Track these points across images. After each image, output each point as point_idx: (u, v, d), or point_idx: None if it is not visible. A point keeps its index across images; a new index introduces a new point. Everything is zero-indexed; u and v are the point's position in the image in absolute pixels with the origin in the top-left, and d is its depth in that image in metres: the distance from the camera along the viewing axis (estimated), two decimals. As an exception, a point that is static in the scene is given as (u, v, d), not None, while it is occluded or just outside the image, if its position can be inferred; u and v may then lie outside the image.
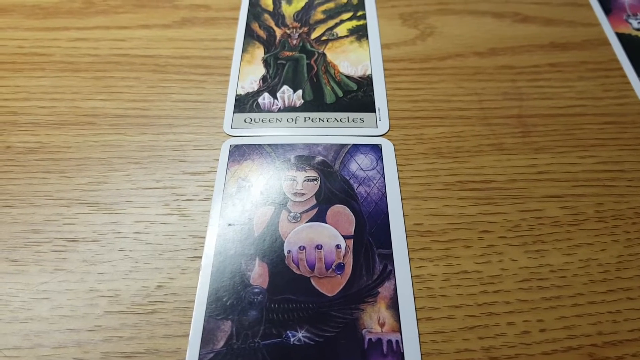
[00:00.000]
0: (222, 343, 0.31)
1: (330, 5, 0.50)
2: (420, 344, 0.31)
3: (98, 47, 0.47)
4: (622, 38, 0.48)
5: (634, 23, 0.49)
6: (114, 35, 0.48)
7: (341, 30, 0.48)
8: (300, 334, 0.31)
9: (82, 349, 0.31)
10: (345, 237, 0.35)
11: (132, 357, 0.30)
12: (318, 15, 0.50)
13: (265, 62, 0.46)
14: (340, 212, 0.37)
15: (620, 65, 0.46)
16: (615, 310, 0.32)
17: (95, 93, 0.44)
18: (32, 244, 0.35)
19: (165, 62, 0.46)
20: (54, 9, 0.50)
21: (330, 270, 0.34)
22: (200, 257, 0.34)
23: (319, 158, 0.39)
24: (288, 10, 0.50)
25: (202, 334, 0.31)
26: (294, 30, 0.48)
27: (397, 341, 0.31)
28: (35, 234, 0.35)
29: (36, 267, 0.34)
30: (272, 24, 0.49)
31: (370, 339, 0.31)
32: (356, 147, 0.40)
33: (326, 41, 0.47)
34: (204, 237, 0.35)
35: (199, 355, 0.30)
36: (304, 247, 0.35)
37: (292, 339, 0.31)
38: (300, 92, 0.44)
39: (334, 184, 0.38)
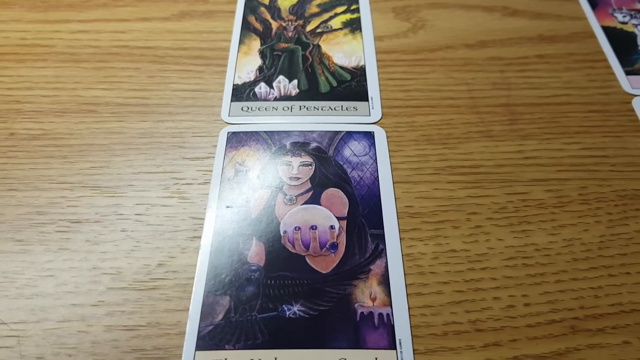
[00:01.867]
0: (220, 316, 0.32)
1: (325, -1, 0.52)
2: (410, 317, 0.32)
3: (99, 39, 0.48)
4: (608, 31, 0.50)
5: (619, 17, 0.51)
6: (114, 28, 0.49)
7: (335, 23, 0.50)
8: (296, 308, 0.32)
9: (86, 323, 0.32)
10: (339, 219, 0.37)
11: (135, 330, 0.32)
12: (313, 8, 0.51)
13: (262, 54, 0.47)
14: (334, 195, 0.38)
15: (605, 57, 0.48)
16: (597, 286, 0.34)
17: (96, 83, 0.45)
18: (36, 225, 0.36)
19: (164, 53, 0.47)
20: (55, 2, 0.51)
21: (325, 249, 0.35)
22: (200, 237, 0.36)
23: (314, 144, 0.41)
24: (284, 4, 0.52)
25: (202, 308, 0.32)
26: (290, 23, 0.50)
27: (387, 314, 0.32)
28: (40, 215, 0.37)
29: (41, 246, 0.35)
30: (268, 16, 0.50)
31: (362, 312, 0.32)
32: (350, 134, 0.41)
33: (321, 33, 0.49)
34: (203, 219, 0.37)
35: (199, 327, 0.32)
36: (299, 228, 0.36)
37: (287, 313, 0.32)
38: (295, 82, 0.45)
39: (328, 168, 0.39)
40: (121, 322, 0.32)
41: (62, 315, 0.32)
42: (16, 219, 0.36)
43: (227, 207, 0.37)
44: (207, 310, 0.32)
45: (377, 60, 0.47)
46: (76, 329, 0.32)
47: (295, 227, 0.36)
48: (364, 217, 0.37)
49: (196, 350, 0.31)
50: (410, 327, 0.32)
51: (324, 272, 0.34)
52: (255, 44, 0.48)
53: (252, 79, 0.45)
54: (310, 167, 0.39)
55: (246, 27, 0.49)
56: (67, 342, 0.31)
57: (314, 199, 0.38)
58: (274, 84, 0.45)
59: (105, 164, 0.39)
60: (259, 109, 0.43)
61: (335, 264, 0.35)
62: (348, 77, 0.45)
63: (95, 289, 0.33)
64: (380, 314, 0.32)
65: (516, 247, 0.35)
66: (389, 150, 0.40)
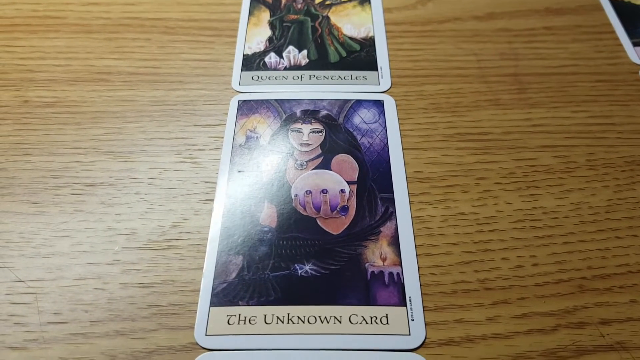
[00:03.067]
0: (234, 275, 0.33)
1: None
2: (419, 276, 0.33)
3: (109, 11, 0.49)
4: (615, 3, 0.50)
5: (627, -11, 0.51)
6: (125, 0, 0.49)
7: (344, -5, 0.50)
8: (307, 267, 0.33)
9: (102, 280, 0.33)
10: (349, 183, 0.37)
11: (150, 287, 0.32)
12: (322, -19, 0.51)
13: (271, 25, 0.48)
14: (345, 160, 0.38)
15: (612, 29, 0.48)
16: (604, 247, 0.34)
17: (108, 53, 0.45)
18: (51, 188, 0.37)
19: (174, 24, 0.48)
20: (67, -25, 0.52)
21: (335, 212, 0.36)
22: (212, 200, 0.36)
23: (324, 112, 0.41)
24: (293, -24, 0.52)
25: (216, 267, 0.33)
26: (299, -5, 0.50)
27: (397, 273, 0.33)
28: (55, 179, 0.37)
29: (56, 208, 0.36)
30: (277, -11, 0.51)
31: (372, 271, 0.33)
32: (359, 103, 0.42)
33: (330, 5, 0.49)
34: (215, 183, 0.37)
35: (213, 285, 0.32)
36: (310, 192, 0.37)
37: (299, 271, 0.33)
38: (305, 52, 0.45)
39: (338, 135, 0.40)
40: (136, 279, 0.33)
41: (78, 273, 0.33)
42: (31, 182, 0.37)
43: (239, 171, 0.38)
44: (220, 269, 0.33)
45: (386, 32, 0.47)
46: (92, 286, 0.32)
47: (307, 191, 0.37)
48: (373, 181, 0.37)
49: (210, 306, 0.31)
50: (420, 285, 0.33)
51: (334, 233, 0.35)
52: (265, 15, 0.48)
53: (262, 49, 0.46)
54: (320, 134, 0.40)
55: (256, -1, 0.50)
56: (84, 299, 0.32)
57: (325, 165, 0.38)
58: (284, 54, 0.45)
59: (118, 130, 0.40)
60: (269, 78, 0.44)
61: (345, 226, 0.35)
62: (357, 47, 0.46)
63: (110, 248, 0.34)
64: (391, 273, 0.33)
65: (524, 210, 0.36)
66: (398, 118, 0.41)
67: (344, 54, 0.45)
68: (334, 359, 0.29)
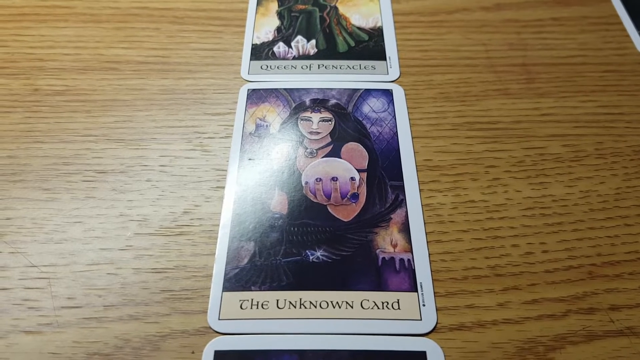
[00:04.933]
0: (246, 260, 0.33)
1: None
2: (430, 262, 0.33)
3: (118, 1, 0.49)
4: (623, -5, 0.50)
5: (634, -19, 0.51)
6: (134, -11, 0.50)
7: (352, -15, 0.50)
8: (319, 253, 0.33)
9: (115, 266, 0.33)
10: (359, 171, 0.37)
11: (162, 272, 0.33)
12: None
13: (279, 15, 0.48)
14: (354, 148, 0.39)
15: (620, 20, 0.48)
16: (614, 235, 0.35)
17: (117, 42, 0.45)
18: (63, 175, 0.37)
19: (183, 14, 0.48)
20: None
21: (346, 199, 0.36)
22: (223, 187, 0.36)
23: (333, 101, 0.41)
24: (301, -33, 0.52)
25: (228, 252, 0.33)
26: (307, -15, 0.50)
27: (408, 260, 0.33)
28: (66, 166, 0.37)
29: (68, 195, 0.36)
30: (285, -21, 0.51)
31: (384, 258, 0.33)
32: (368, 92, 0.42)
33: (338, -5, 0.49)
34: (226, 170, 0.37)
35: (225, 270, 0.32)
36: (320, 179, 0.37)
37: (311, 257, 0.33)
38: (313, 41, 0.46)
39: (348, 124, 0.40)
40: (149, 265, 0.33)
41: (91, 258, 0.33)
42: (43, 169, 0.37)
43: (249, 159, 0.38)
44: (232, 255, 0.33)
45: (394, 22, 0.47)
46: (105, 271, 0.33)
47: (317, 179, 0.37)
48: (383, 169, 0.37)
49: (223, 291, 0.32)
50: (431, 271, 0.33)
51: (345, 220, 0.35)
52: (273, 5, 0.49)
53: (271, 39, 0.46)
54: (329, 122, 0.40)
55: (264, -11, 0.50)
56: (97, 284, 0.32)
57: (334, 153, 0.38)
58: (292, 44, 0.45)
59: (129, 118, 0.40)
60: (277, 67, 0.44)
61: (356, 213, 0.35)
62: (365, 37, 0.46)
63: (122, 234, 0.34)
64: (402, 259, 0.33)
65: (534, 198, 0.36)
66: (407, 107, 0.41)
67: (352, 43, 0.45)
68: (347, 343, 0.30)
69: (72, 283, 0.32)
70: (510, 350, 0.30)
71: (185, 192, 0.36)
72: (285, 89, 0.42)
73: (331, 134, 0.39)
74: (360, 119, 0.40)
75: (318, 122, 0.40)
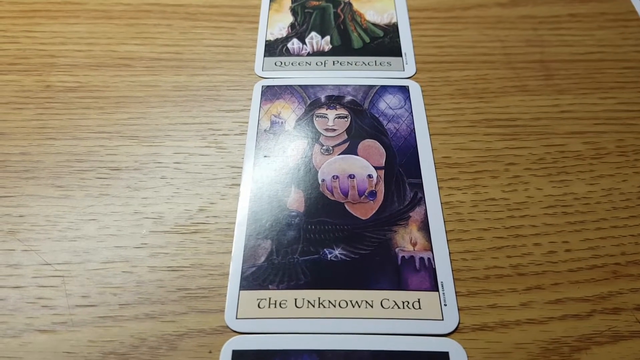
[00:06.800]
0: (263, 259, 0.32)
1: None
2: (451, 261, 0.32)
3: (130, -3, 0.48)
4: (641, -9, 0.49)
5: (652, -23, 0.51)
6: (145, -14, 0.49)
7: (366, -19, 0.50)
8: (337, 252, 0.33)
9: (130, 264, 0.32)
10: (377, 168, 0.37)
11: (178, 271, 0.32)
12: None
13: (293, 11, 0.47)
14: (371, 145, 0.38)
15: (637, 16, 0.47)
16: (637, 233, 0.34)
17: (129, 38, 0.45)
18: (76, 172, 0.36)
19: (195, 10, 0.47)
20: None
21: (363, 197, 0.35)
22: (239, 185, 0.36)
23: (349, 98, 0.41)
24: (314, -37, 0.51)
25: (244, 251, 0.33)
26: (320, -19, 0.50)
27: (429, 258, 0.32)
28: (79, 163, 0.37)
29: (82, 192, 0.35)
30: (298, -25, 0.50)
31: (403, 256, 0.32)
32: (384, 88, 0.41)
33: (352, -8, 0.49)
34: (241, 167, 0.37)
35: (242, 268, 0.32)
36: (337, 177, 0.36)
37: (329, 256, 0.32)
38: (328, 38, 0.45)
39: (364, 120, 0.39)
40: (165, 263, 0.32)
41: (106, 256, 0.33)
42: (56, 166, 0.37)
43: (265, 156, 0.37)
44: (249, 253, 0.33)
45: (410, 18, 0.47)
46: (120, 269, 0.32)
47: (334, 176, 0.36)
48: (401, 167, 0.37)
49: (240, 289, 0.31)
50: (452, 270, 0.32)
51: (363, 218, 0.34)
52: (286, 1, 0.48)
53: (284, 35, 0.45)
54: (345, 119, 0.39)
55: (277, -15, 0.49)
56: (112, 282, 0.32)
57: (351, 150, 0.38)
58: (307, 40, 0.45)
59: (142, 115, 0.40)
60: (292, 64, 0.43)
61: (374, 211, 0.35)
62: (381, 33, 0.45)
63: (137, 232, 0.34)
64: (422, 258, 0.32)
65: (555, 196, 0.35)
66: (424, 104, 0.40)
67: (367, 40, 0.45)
68: (368, 343, 0.29)
69: (86, 281, 0.32)
70: (534, 351, 0.29)
71: (200, 190, 0.35)
72: (300, 86, 0.41)
73: (347, 130, 0.39)
74: (377, 115, 0.40)
75: (334, 119, 0.39)
